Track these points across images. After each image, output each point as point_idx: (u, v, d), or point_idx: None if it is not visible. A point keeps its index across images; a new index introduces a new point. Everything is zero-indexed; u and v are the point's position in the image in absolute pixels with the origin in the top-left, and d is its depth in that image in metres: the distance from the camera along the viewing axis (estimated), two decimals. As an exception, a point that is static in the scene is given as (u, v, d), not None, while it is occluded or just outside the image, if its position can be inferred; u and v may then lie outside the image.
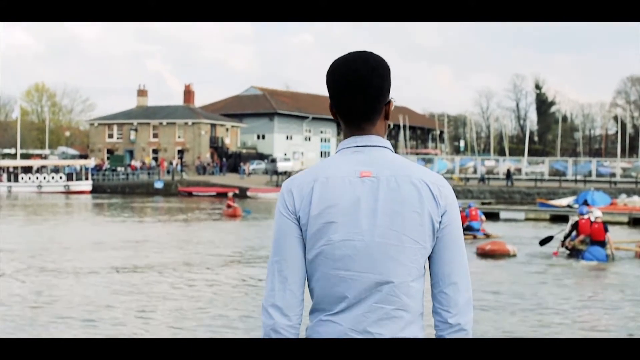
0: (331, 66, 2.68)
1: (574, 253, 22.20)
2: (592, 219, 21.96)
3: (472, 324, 2.60)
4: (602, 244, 21.73)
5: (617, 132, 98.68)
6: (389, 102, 2.69)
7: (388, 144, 2.66)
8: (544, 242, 23.00)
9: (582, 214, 22.51)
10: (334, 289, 2.54)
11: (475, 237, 27.14)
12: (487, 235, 27.79)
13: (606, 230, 21.81)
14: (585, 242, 21.98)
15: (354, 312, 2.52)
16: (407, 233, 2.53)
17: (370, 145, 2.63)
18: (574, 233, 22.51)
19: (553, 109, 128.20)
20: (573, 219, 23.17)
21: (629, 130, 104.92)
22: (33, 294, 15.39)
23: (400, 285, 2.53)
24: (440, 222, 2.57)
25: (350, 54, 2.68)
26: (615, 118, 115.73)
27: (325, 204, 2.54)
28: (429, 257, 2.61)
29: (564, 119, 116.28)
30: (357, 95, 2.61)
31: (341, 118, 2.69)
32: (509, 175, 62.77)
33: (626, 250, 23.54)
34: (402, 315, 2.54)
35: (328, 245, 2.53)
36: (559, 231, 24.11)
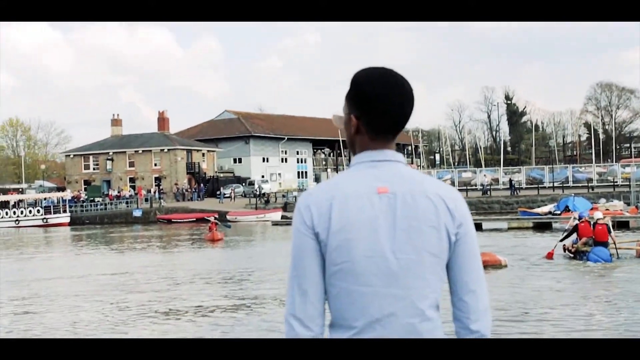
0: (365, 77, 2.67)
1: (578, 256, 22.56)
2: (592, 222, 22.43)
3: (490, 329, 2.65)
4: (606, 244, 22.17)
5: (588, 138, 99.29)
6: None
7: (401, 157, 2.67)
8: None
9: (581, 217, 22.90)
10: (356, 305, 2.56)
11: None
12: None
13: (609, 231, 22.35)
14: (589, 243, 22.45)
15: (379, 328, 2.55)
16: (426, 247, 2.56)
17: (385, 160, 2.65)
18: (574, 236, 22.94)
19: (524, 118, 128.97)
20: (572, 223, 23.59)
21: (600, 135, 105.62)
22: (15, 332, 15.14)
23: (421, 298, 2.57)
24: (456, 234, 2.61)
25: (382, 68, 2.69)
26: (586, 124, 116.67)
27: (345, 221, 2.55)
28: (447, 267, 2.65)
29: (536, 128, 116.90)
30: (399, 110, 2.64)
31: (369, 130, 2.66)
32: (512, 185, 63.11)
33: (627, 250, 24.07)
34: (427, 326, 2.57)
35: (349, 262, 2.54)
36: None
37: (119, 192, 78.52)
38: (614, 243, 22.64)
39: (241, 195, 77.92)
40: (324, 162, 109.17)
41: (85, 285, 22.10)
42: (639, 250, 23.60)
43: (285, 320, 2.61)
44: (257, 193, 71.51)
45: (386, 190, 2.58)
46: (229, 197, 74.59)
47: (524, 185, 68.13)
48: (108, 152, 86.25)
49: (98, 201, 75.26)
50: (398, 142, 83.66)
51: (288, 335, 2.58)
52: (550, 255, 23.49)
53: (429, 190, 2.60)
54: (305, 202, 2.63)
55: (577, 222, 23.17)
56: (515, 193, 61.46)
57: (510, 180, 64.37)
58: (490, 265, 21.75)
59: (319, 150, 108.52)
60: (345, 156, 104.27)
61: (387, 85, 2.62)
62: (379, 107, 2.61)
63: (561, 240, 23.69)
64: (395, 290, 2.55)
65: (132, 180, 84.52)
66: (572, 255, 23.15)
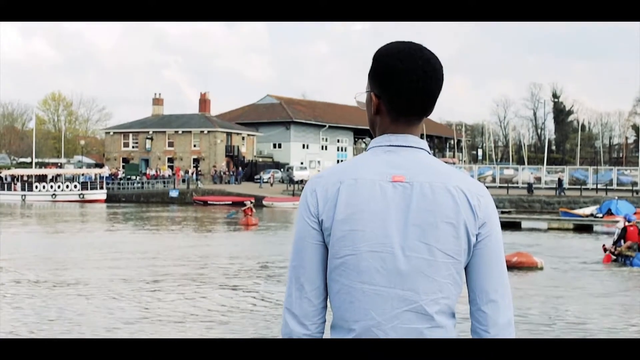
0: (386, 51, 2.40)
1: (621, 259, 22.35)
2: None
3: None
4: None
5: (635, 140, 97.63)
6: None
7: (425, 144, 2.41)
8: None
9: (630, 221, 22.72)
10: (357, 304, 2.31)
11: None
12: None
13: None
14: (633, 248, 22.28)
15: (380, 332, 2.28)
16: (440, 246, 2.29)
17: (406, 146, 2.38)
18: (615, 237, 22.79)
19: (571, 117, 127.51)
20: (619, 227, 23.11)
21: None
22: (41, 311, 14.76)
23: (431, 302, 2.29)
24: (477, 235, 2.32)
25: (408, 42, 2.42)
26: (634, 127, 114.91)
27: (352, 209, 2.30)
28: (466, 272, 2.37)
29: (582, 127, 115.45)
30: (422, 87, 2.36)
31: (390, 110, 2.40)
32: (560, 184, 61.41)
33: None
34: (437, 334, 2.30)
35: (353, 255, 2.29)
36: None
37: (156, 171, 78.91)
38: None
39: (279, 180, 77.75)
40: (364, 152, 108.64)
41: (111, 269, 21.73)
42: None
43: (283, 313, 2.43)
44: (292, 179, 71.23)
45: (402, 179, 2.32)
46: (268, 182, 74.15)
47: (566, 186, 66.99)
48: (148, 131, 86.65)
49: (135, 179, 75.69)
50: (440, 135, 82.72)
51: (283, 330, 2.40)
52: (607, 260, 22.93)
53: (451, 182, 2.32)
54: (312, 185, 2.40)
55: (625, 224, 22.60)
56: (562, 193, 59.77)
57: (559, 180, 62.59)
58: (526, 266, 21.09)
59: (360, 140, 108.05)
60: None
61: (411, 59, 2.35)
62: (400, 83, 2.35)
63: (614, 246, 23.04)
64: (401, 292, 2.28)
65: (170, 160, 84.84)
66: (614, 257, 22.61)
